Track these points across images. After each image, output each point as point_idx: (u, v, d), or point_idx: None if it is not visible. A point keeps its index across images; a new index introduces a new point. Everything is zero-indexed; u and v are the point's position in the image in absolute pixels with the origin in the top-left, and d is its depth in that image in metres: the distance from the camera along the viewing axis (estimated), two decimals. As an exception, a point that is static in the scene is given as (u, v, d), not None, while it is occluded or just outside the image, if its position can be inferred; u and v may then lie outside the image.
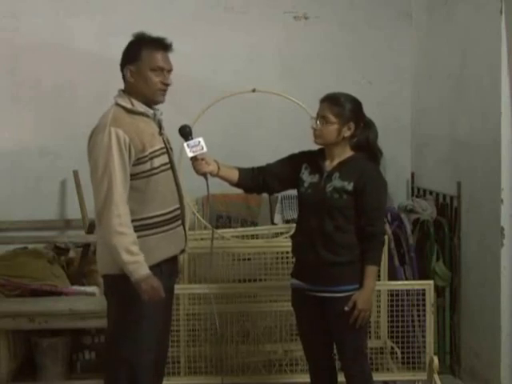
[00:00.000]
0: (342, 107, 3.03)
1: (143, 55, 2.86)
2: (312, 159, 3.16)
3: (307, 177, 3.12)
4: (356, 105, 3.08)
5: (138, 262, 2.75)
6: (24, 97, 4.70)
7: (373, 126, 3.13)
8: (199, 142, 2.96)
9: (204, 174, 3.00)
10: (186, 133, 2.98)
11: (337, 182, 3.02)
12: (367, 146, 3.09)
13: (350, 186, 3.00)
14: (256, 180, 3.21)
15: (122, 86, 2.93)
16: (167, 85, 2.90)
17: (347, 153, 3.09)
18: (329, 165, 3.10)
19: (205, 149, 2.96)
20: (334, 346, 3.23)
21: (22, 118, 4.70)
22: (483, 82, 3.91)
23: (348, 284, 3.03)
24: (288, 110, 4.22)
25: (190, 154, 2.96)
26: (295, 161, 3.20)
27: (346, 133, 3.05)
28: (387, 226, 4.16)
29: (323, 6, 4.89)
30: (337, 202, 3.00)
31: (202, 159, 2.98)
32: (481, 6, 3.92)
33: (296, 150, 3.25)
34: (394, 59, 4.97)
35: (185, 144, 2.97)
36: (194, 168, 3.00)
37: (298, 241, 3.17)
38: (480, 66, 3.96)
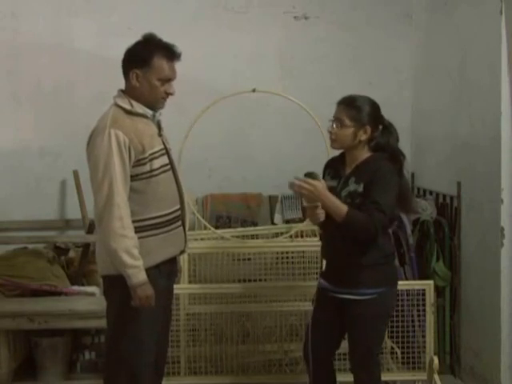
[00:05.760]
0: (358, 110, 2.97)
1: (154, 63, 2.82)
2: (335, 164, 3.13)
3: (329, 181, 3.06)
4: (373, 108, 3.02)
5: (137, 266, 2.75)
6: (24, 97, 4.70)
7: (393, 128, 3.07)
8: None
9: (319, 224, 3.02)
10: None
11: (352, 187, 2.97)
12: (388, 149, 3.03)
13: (360, 188, 2.94)
14: None
15: (121, 86, 2.92)
16: (171, 94, 2.89)
17: (365, 155, 3.03)
18: (348, 169, 3.05)
19: None
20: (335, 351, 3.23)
21: (22, 118, 4.70)
22: (483, 82, 3.91)
23: (370, 288, 2.98)
24: (288, 110, 4.21)
25: (305, 204, 2.94)
26: (324, 169, 3.18)
27: (362, 136, 2.99)
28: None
29: (323, 6, 4.89)
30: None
31: (316, 206, 2.92)
32: (481, 6, 3.92)
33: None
34: (394, 59, 4.97)
35: None
36: (309, 217, 3.00)
37: (323, 243, 3.16)
38: (480, 66, 3.96)
